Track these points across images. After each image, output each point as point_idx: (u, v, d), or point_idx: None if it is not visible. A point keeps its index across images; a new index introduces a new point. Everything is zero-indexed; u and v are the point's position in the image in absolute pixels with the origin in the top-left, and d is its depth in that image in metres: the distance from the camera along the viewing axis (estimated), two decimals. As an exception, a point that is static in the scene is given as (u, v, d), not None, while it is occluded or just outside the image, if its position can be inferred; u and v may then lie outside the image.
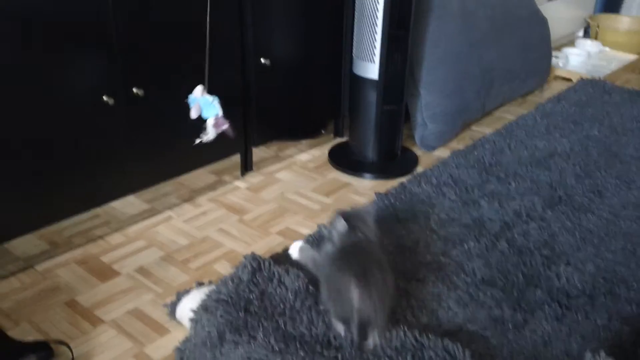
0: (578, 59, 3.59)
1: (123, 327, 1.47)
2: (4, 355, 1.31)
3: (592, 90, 3.02)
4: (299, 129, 2.46)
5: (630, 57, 3.68)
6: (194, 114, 1.68)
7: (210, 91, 1.68)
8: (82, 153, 1.67)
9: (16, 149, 1.53)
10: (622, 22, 4.05)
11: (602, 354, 1.09)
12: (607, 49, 3.80)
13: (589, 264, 1.66)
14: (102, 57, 1.62)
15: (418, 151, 2.44)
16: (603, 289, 1.56)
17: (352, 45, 2.24)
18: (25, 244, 1.63)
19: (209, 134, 1.69)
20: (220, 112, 1.68)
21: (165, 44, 1.76)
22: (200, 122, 1.68)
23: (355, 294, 1.21)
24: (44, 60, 1.51)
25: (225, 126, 1.69)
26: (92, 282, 1.62)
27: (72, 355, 1.36)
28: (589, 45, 3.77)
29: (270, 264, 1.50)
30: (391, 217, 1.88)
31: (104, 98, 1.63)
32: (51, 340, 1.39)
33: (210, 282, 1.57)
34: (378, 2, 2.05)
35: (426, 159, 2.38)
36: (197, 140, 1.69)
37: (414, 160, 2.35)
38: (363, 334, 1.25)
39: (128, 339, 1.44)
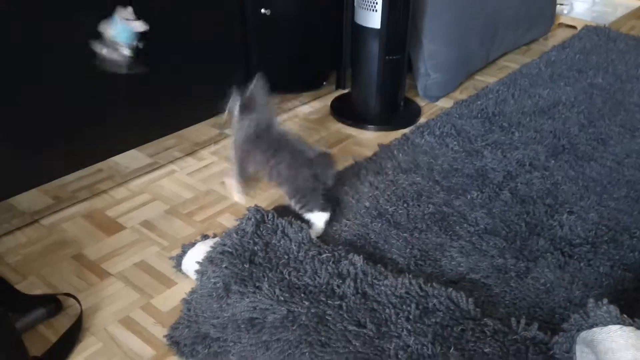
0: (583, 5, 3.53)
1: (130, 279, 1.49)
2: (14, 308, 1.32)
3: (596, 37, 2.98)
4: (300, 81, 2.44)
5: (636, 3, 3.61)
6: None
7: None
8: (84, 108, 1.66)
9: (18, 105, 1.52)
10: (628, -33, 3.97)
11: (605, 301, 1.09)
12: (612, -6, 3.74)
13: (592, 213, 1.66)
14: (101, 11, 1.60)
15: (421, 102, 2.42)
16: (606, 237, 1.57)
17: (353, -6, 2.20)
18: (29, 199, 1.63)
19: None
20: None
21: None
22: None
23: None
24: (43, 16, 1.49)
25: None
26: (98, 235, 1.63)
27: (81, 307, 1.38)
28: (594, -8, 3.71)
29: (273, 216, 1.51)
30: (394, 168, 1.88)
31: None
32: (59, 293, 1.41)
33: (214, 235, 1.58)
34: (380, -52, 2.01)
35: (429, 110, 2.37)
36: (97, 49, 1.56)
37: (416, 111, 2.34)
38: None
39: (135, 290, 1.45)
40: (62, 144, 1.64)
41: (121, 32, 1.55)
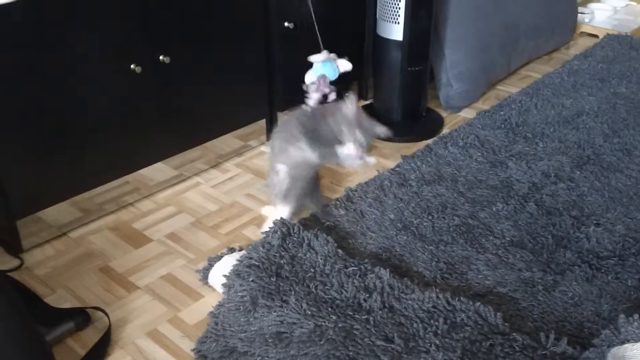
0: (604, 14, 3.51)
1: (157, 292, 1.50)
2: (43, 321, 1.34)
3: (618, 46, 2.96)
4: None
5: (658, 10, 3.59)
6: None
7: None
8: (111, 122, 1.68)
9: (47, 119, 1.54)
10: (650, -26, 3.94)
11: (636, 316, 1.09)
12: (633, 2, 3.70)
13: (618, 224, 1.65)
14: (128, 26, 1.62)
15: (443, 112, 2.42)
16: (633, 249, 1.56)
17: (375, 6, 2.20)
18: (57, 212, 1.65)
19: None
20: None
21: (189, 9, 1.75)
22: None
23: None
24: (72, 30, 1.51)
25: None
26: (124, 248, 1.65)
27: (109, 320, 1.39)
28: (615, 0, 3.68)
29: (299, 229, 1.51)
30: (418, 179, 1.87)
31: (132, 66, 1.64)
32: (88, 307, 1.42)
33: (240, 248, 1.59)
34: (402, -39, 2.02)
35: (451, 120, 2.36)
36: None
37: (439, 122, 2.34)
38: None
39: (162, 303, 1.46)
40: (90, 157, 1.66)
41: (329, 69, 1.74)
